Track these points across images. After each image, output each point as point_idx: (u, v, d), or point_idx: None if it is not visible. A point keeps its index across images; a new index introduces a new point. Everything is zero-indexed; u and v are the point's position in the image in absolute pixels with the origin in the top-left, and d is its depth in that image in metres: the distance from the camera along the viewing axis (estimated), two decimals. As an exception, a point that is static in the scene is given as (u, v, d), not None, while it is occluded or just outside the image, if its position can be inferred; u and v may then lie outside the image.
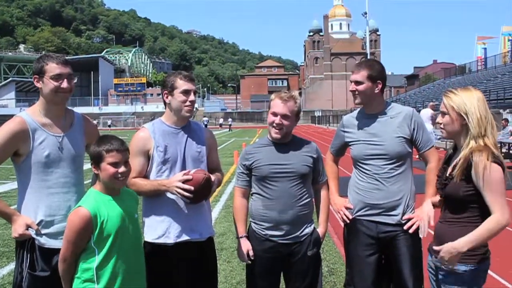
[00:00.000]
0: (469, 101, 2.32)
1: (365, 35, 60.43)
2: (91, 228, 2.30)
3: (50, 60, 2.57)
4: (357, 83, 2.93)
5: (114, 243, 2.34)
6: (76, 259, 2.35)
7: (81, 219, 2.29)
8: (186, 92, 2.75)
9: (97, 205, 2.34)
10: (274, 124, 2.81)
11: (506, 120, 16.93)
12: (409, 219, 2.86)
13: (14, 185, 2.45)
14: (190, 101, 2.76)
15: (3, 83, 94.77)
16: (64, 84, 2.58)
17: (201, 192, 2.67)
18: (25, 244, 2.55)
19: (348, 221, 3.02)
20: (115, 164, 2.35)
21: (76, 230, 2.30)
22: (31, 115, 2.60)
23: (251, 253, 2.85)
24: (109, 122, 69.77)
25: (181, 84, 2.76)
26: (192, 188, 2.61)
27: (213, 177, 2.73)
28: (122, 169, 2.37)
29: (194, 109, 2.93)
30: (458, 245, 2.23)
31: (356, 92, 2.94)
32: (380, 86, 2.94)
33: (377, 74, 2.93)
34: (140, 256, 2.54)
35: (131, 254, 2.43)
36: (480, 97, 2.34)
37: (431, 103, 17.07)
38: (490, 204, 2.22)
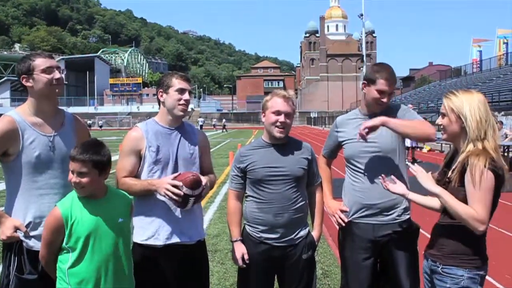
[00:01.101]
0: (469, 103, 2.27)
1: (361, 36, 60.59)
2: (63, 229, 2.31)
3: (35, 56, 2.54)
4: (390, 94, 2.90)
5: (86, 246, 2.30)
6: (53, 259, 2.37)
7: (53, 218, 2.32)
8: (181, 91, 2.73)
9: (71, 207, 2.32)
10: (278, 123, 2.76)
11: (501, 123, 16.98)
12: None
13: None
14: (184, 100, 2.74)
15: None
16: (57, 74, 2.55)
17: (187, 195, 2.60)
18: (12, 246, 2.50)
19: (344, 224, 2.98)
20: (72, 171, 2.33)
21: (48, 229, 2.34)
22: (21, 114, 2.55)
23: (246, 257, 2.81)
24: (100, 122, 69.07)
25: (177, 82, 2.74)
26: (182, 193, 2.56)
27: (204, 180, 2.68)
28: (74, 178, 2.31)
29: (190, 110, 2.89)
30: (429, 185, 2.31)
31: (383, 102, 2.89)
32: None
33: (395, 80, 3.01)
34: (124, 260, 2.45)
35: (111, 258, 2.37)
36: (481, 99, 2.29)
37: (410, 105, 17.02)
38: (472, 205, 2.18)
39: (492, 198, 2.18)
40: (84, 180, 2.30)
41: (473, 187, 2.17)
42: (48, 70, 2.52)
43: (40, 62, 2.52)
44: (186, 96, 2.75)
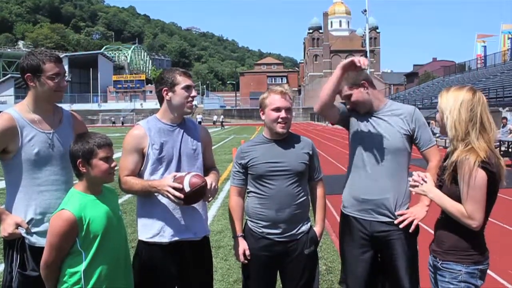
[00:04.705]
0: (451, 101, 2.28)
1: (364, 32, 60.31)
2: (76, 232, 2.22)
3: (45, 58, 2.51)
4: (346, 97, 2.91)
5: (101, 244, 2.27)
6: (60, 264, 2.26)
7: (65, 222, 2.19)
8: (188, 88, 2.72)
9: (81, 207, 2.25)
10: (280, 119, 2.76)
11: (506, 119, 16.91)
12: (401, 214, 2.82)
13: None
14: (191, 97, 2.74)
15: (2, 79, 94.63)
16: (63, 82, 2.56)
17: (194, 198, 2.58)
18: (14, 243, 2.50)
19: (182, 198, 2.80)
20: (107, 159, 2.29)
21: (59, 235, 2.20)
22: (20, 111, 2.55)
23: (247, 252, 2.81)
24: (113, 119, 68.90)
25: (182, 80, 2.72)
26: (183, 196, 2.52)
27: (209, 181, 2.65)
28: (114, 163, 2.32)
29: (194, 106, 2.89)
30: (428, 190, 2.31)
31: (353, 105, 2.91)
32: (366, 84, 2.89)
33: (355, 78, 2.87)
34: (127, 252, 2.48)
35: (118, 252, 2.38)
36: (465, 98, 2.25)
37: None
38: (464, 204, 2.20)
39: (484, 195, 2.19)
40: (115, 163, 2.32)
41: (464, 185, 2.19)
42: (55, 76, 2.52)
43: (49, 68, 2.50)
44: (193, 93, 2.75)
